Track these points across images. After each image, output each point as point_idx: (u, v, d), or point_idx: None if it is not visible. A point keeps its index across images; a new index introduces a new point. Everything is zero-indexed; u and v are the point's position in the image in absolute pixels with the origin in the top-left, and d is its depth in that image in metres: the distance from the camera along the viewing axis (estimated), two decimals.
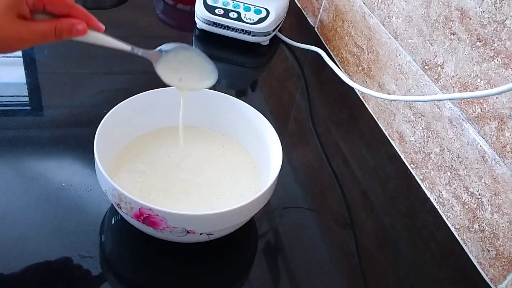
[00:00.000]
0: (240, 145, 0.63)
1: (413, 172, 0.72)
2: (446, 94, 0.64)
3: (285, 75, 0.90)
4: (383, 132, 0.78)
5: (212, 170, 0.59)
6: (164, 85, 0.60)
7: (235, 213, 0.48)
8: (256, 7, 0.89)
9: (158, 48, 0.51)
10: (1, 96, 0.70)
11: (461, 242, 0.63)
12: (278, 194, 0.55)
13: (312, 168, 0.70)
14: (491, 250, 0.58)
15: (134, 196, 0.46)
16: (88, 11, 0.47)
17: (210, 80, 0.53)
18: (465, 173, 0.61)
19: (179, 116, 0.61)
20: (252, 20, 0.88)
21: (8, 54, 0.78)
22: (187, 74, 0.52)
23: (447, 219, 0.65)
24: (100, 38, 0.47)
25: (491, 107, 0.57)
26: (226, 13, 0.88)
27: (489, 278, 0.59)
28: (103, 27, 0.47)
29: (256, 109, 0.60)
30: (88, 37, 0.46)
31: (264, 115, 0.59)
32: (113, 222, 0.56)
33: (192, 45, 0.91)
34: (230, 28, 0.88)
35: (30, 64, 0.77)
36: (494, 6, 0.55)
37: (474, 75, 0.59)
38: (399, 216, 0.65)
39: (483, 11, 0.57)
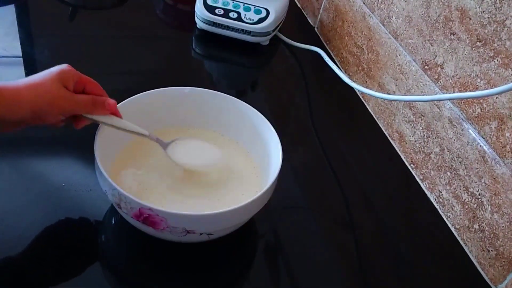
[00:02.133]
0: (240, 145, 0.63)
1: (413, 172, 0.72)
2: (446, 94, 0.64)
3: (285, 75, 0.90)
4: (383, 132, 0.78)
5: (212, 170, 0.59)
6: (164, 85, 0.61)
7: (235, 213, 0.48)
8: (256, 7, 0.89)
9: (171, 140, 0.57)
10: None
11: (461, 242, 0.63)
12: (278, 194, 0.55)
13: (312, 168, 0.70)
14: (491, 250, 0.58)
15: (134, 196, 0.46)
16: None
17: (211, 163, 0.59)
18: (465, 173, 0.61)
19: (179, 116, 0.61)
20: (252, 20, 0.88)
21: (8, 54, 0.78)
22: (192, 157, 0.58)
23: (447, 219, 0.65)
24: (123, 123, 0.53)
25: (491, 107, 0.57)
26: (226, 13, 0.88)
27: (489, 278, 0.59)
28: (120, 115, 0.54)
29: (256, 109, 0.60)
30: (113, 121, 0.53)
31: (264, 115, 0.59)
32: (113, 222, 0.56)
33: (192, 45, 0.91)
34: (230, 28, 0.88)
35: (30, 64, 0.77)
36: (494, 6, 0.55)
37: (474, 75, 0.59)
38: (399, 216, 0.65)
39: (483, 11, 0.57)
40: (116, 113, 0.53)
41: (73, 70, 0.50)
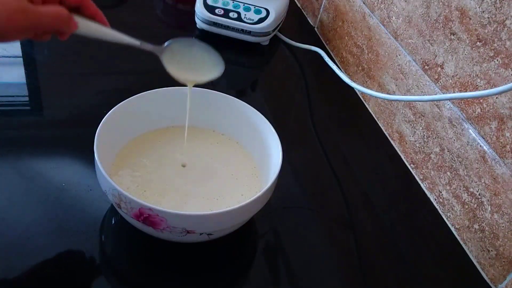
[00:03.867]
0: (240, 145, 0.63)
1: (413, 172, 0.72)
2: (446, 94, 0.64)
3: (285, 75, 0.90)
4: (383, 132, 0.78)
5: (212, 170, 0.59)
6: (164, 85, 0.61)
7: (235, 213, 0.48)
8: (256, 7, 0.89)
9: (165, 43, 0.52)
10: (1, 96, 0.70)
11: (461, 242, 0.63)
12: (278, 194, 0.55)
13: (312, 168, 0.70)
14: (491, 250, 0.58)
15: (134, 196, 0.46)
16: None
17: (215, 72, 0.54)
18: (465, 173, 0.61)
19: (179, 116, 0.61)
20: (252, 20, 0.88)
21: (8, 54, 0.78)
22: (192, 67, 0.53)
23: (447, 219, 0.65)
24: (106, 32, 0.47)
25: (491, 107, 0.57)
26: (226, 13, 0.88)
27: (489, 278, 0.59)
28: (107, 23, 0.48)
29: (256, 109, 0.60)
30: (93, 30, 0.46)
31: (264, 115, 0.59)
32: (113, 222, 0.56)
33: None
34: (230, 28, 0.88)
35: (30, 64, 0.77)
36: (494, 6, 0.55)
37: (474, 75, 0.59)
38: (399, 216, 0.65)
39: (483, 11, 0.57)
40: (97, 18, 0.46)
41: None
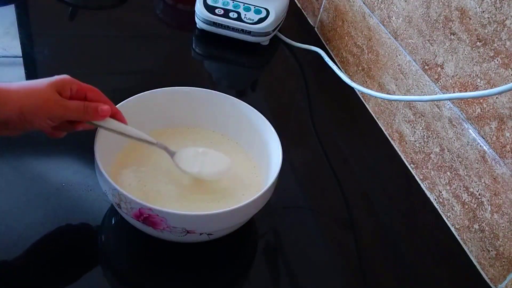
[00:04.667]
0: (240, 145, 0.63)
1: (413, 172, 0.72)
2: (446, 94, 0.64)
3: (285, 75, 0.90)
4: (383, 132, 0.78)
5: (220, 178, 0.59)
6: (164, 85, 0.61)
7: (235, 213, 0.48)
8: (256, 7, 0.89)
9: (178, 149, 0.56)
10: None
11: (461, 242, 0.63)
12: (278, 194, 0.55)
13: (312, 168, 0.70)
14: (491, 250, 0.58)
15: (134, 196, 0.46)
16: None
17: (219, 173, 0.57)
18: (465, 173, 0.61)
19: (179, 116, 0.61)
20: (252, 20, 0.88)
21: (8, 54, 0.78)
22: (200, 166, 0.56)
23: (447, 219, 0.65)
24: (123, 127, 0.52)
25: (491, 107, 0.57)
26: (226, 13, 0.88)
27: (489, 278, 0.59)
28: (126, 121, 0.53)
29: (256, 109, 0.60)
30: (112, 125, 0.51)
31: (264, 115, 0.59)
32: (113, 222, 0.56)
33: (192, 45, 0.91)
34: (230, 28, 0.88)
35: (30, 64, 0.77)
36: (494, 6, 0.55)
37: (474, 75, 0.59)
38: (399, 216, 0.65)
39: (483, 11, 0.57)
40: (117, 117, 0.52)
41: (72, 79, 0.49)
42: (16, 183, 0.57)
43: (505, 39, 0.54)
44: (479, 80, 0.59)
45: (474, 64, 0.59)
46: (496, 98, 0.56)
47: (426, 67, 0.68)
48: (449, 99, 0.63)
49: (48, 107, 0.46)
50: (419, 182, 0.70)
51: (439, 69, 0.65)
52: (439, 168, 0.66)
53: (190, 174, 0.55)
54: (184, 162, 0.55)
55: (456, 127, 0.63)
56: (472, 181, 0.60)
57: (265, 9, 0.89)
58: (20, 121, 0.46)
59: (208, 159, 0.57)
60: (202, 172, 0.56)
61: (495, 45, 0.56)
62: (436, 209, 0.67)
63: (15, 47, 0.79)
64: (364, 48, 0.83)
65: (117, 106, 0.56)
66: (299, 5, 1.11)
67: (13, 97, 0.45)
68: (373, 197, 0.67)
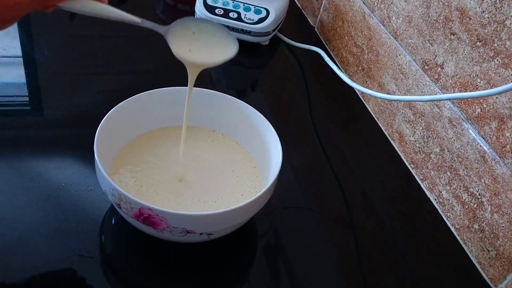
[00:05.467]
0: (240, 145, 0.63)
1: (413, 172, 0.72)
2: (446, 94, 0.64)
3: (285, 75, 0.90)
4: (383, 132, 0.78)
5: (212, 170, 0.59)
6: (164, 85, 0.61)
7: (235, 213, 0.48)
8: (256, 7, 0.89)
9: (172, 24, 0.47)
10: (1, 96, 0.70)
11: (461, 242, 0.63)
12: (278, 194, 0.55)
13: (312, 168, 0.70)
14: (491, 250, 0.58)
15: (134, 196, 0.46)
16: None
17: (227, 52, 0.47)
18: (465, 173, 0.61)
19: (179, 116, 0.61)
20: (252, 20, 0.88)
21: (8, 54, 0.78)
22: (202, 48, 0.47)
23: (447, 219, 0.65)
24: (105, 8, 0.44)
25: (491, 107, 0.57)
26: (226, 13, 0.88)
27: (489, 278, 0.59)
28: (106, 1, 0.44)
29: (256, 109, 0.60)
30: (90, 6, 0.44)
31: (264, 115, 0.59)
32: (113, 222, 0.56)
33: None
34: (230, 28, 0.88)
35: (30, 64, 0.77)
36: (494, 6, 0.55)
37: (474, 75, 0.59)
38: (399, 216, 0.65)
39: (483, 11, 0.57)
40: None
41: None
42: (16, 183, 0.57)
43: (505, 39, 0.54)
44: (479, 80, 0.59)
45: (474, 64, 0.59)
46: (496, 98, 0.56)
47: (426, 67, 0.68)
48: (449, 99, 0.63)
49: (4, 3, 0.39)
50: (419, 182, 0.70)
51: (439, 69, 0.65)
52: (439, 168, 0.66)
53: (186, 61, 0.46)
54: (179, 46, 0.46)
55: (456, 127, 0.63)
56: (472, 181, 0.60)
57: (265, 9, 0.89)
58: None
59: (209, 40, 0.47)
60: (200, 58, 0.46)
61: (495, 45, 0.56)
62: (436, 209, 0.67)
63: (15, 47, 0.79)
64: (364, 48, 0.83)
65: (117, 106, 0.56)
66: (299, 5, 1.11)
67: None
68: (373, 197, 0.67)
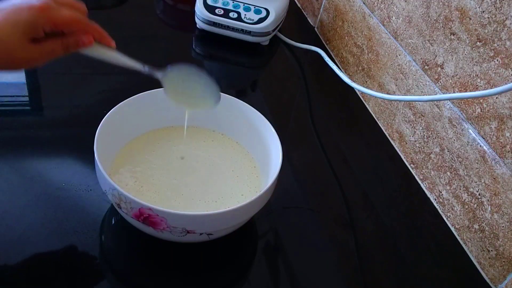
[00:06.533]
0: (240, 145, 0.63)
1: (413, 172, 0.72)
2: (446, 94, 0.64)
3: (285, 75, 0.90)
4: (383, 132, 0.78)
5: (212, 170, 0.59)
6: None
7: (235, 213, 0.48)
8: (256, 7, 0.89)
9: (168, 69, 0.53)
10: (1, 96, 0.70)
11: (461, 242, 0.63)
12: (278, 194, 0.55)
13: (312, 168, 0.70)
14: (491, 250, 0.58)
15: (134, 196, 0.46)
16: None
17: (209, 103, 0.55)
18: (465, 173, 0.61)
19: (179, 116, 0.61)
20: (252, 20, 0.88)
21: None
22: (189, 94, 0.54)
23: (447, 219, 0.65)
24: (109, 54, 0.49)
25: (491, 107, 0.57)
26: (226, 13, 0.88)
27: (489, 278, 0.59)
28: (113, 43, 0.48)
29: (256, 109, 0.60)
30: (98, 52, 0.48)
31: (264, 115, 0.59)
32: (113, 222, 0.56)
33: (192, 45, 0.91)
34: (230, 28, 0.88)
35: None
36: (494, 6, 0.55)
37: (474, 75, 0.59)
38: (399, 216, 0.65)
39: (483, 11, 0.57)
40: (102, 41, 0.47)
41: (42, 15, 0.42)
42: (16, 183, 0.57)
43: (505, 39, 0.54)
44: (479, 80, 0.59)
45: (474, 64, 0.59)
46: (496, 98, 0.56)
47: (426, 67, 0.68)
48: (449, 99, 0.63)
49: (20, 57, 0.41)
50: (419, 182, 0.70)
51: (439, 69, 0.65)
52: (439, 168, 0.66)
53: (179, 104, 0.53)
54: (171, 91, 0.52)
55: (456, 127, 0.63)
56: (472, 181, 0.60)
57: (265, 9, 0.89)
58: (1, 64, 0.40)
59: (195, 89, 0.54)
60: (191, 102, 0.53)
61: (495, 45, 0.56)
62: (436, 209, 0.67)
63: None
64: (364, 48, 0.83)
65: (117, 106, 0.56)
66: (299, 5, 1.11)
67: None
68: (373, 197, 0.67)
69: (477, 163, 0.59)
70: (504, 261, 0.56)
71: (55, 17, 0.43)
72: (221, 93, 0.62)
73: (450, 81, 0.63)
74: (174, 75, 0.53)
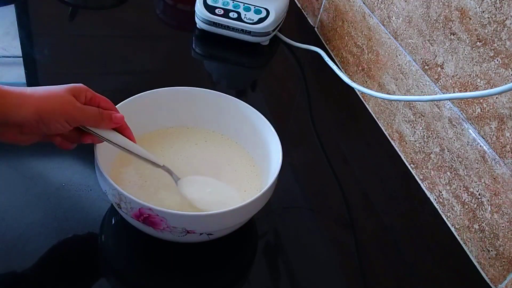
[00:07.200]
0: (240, 145, 0.63)
1: (413, 172, 0.72)
2: (446, 94, 0.64)
3: (285, 75, 0.90)
4: (383, 132, 0.78)
5: (212, 171, 0.59)
6: (164, 85, 0.61)
7: (235, 213, 0.48)
8: (256, 7, 0.89)
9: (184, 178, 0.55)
10: None
11: (461, 242, 0.63)
12: (278, 194, 0.55)
13: (312, 168, 0.70)
14: (491, 250, 0.58)
15: (134, 196, 0.46)
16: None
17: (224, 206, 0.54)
18: (465, 173, 0.61)
19: (179, 116, 0.61)
20: (252, 20, 0.88)
21: (8, 54, 0.78)
22: (202, 195, 0.55)
23: (447, 219, 0.65)
24: (132, 146, 0.52)
25: (491, 107, 0.57)
26: (226, 13, 0.88)
27: (489, 278, 0.59)
28: (134, 138, 0.53)
29: (256, 109, 0.60)
30: (121, 142, 0.51)
31: (264, 115, 0.59)
32: (113, 222, 0.56)
33: (192, 45, 0.91)
34: (230, 28, 0.88)
35: (30, 64, 0.77)
36: (494, 6, 0.55)
37: (474, 75, 0.59)
38: (399, 216, 0.65)
39: (483, 11, 0.57)
40: (124, 130, 0.52)
41: (87, 87, 0.50)
42: (16, 183, 0.57)
43: (505, 39, 0.54)
44: (479, 80, 0.59)
45: (474, 64, 0.59)
46: (496, 98, 0.56)
47: (426, 67, 0.68)
48: (449, 99, 0.63)
49: (66, 109, 0.47)
50: (419, 182, 0.70)
51: (439, 69, 0.65)
52: (439, 168, 0.66)
53: (190, 201, 0.54)
54: (187, 188, 0.55)
55: (456, 127, 0.63)
56: (472, 181, 0.60)
57: (265, 9, 0.89)
58: (36, 123, 0.45)
59: (214, 190, 0.56)
60: (203, 202, 0.54)
61: (495, 45, 0.56)
62: (436, 209, 0.67)
63: (15, 47, 0.79)
64: (364, 48, 0.83)
65: (116, 106, 0.56)
66: (299, 5, 1.11)
67: (29, 99, 0.45)
68: (373, 197, 0.67)
69: (477, 163, 0.59)
70: (504, 261, 0.56)
71: (93, 92, 0.50)
72: (221, 93, 0.62)
73: (450, 81, 0.63)
74: (190, 180, 0.56)
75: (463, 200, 0.62)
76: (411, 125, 0.72)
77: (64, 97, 0.47)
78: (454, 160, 0.63)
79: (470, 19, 0.59)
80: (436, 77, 0.66)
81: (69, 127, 0.47)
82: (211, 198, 0.55)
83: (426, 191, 0.69)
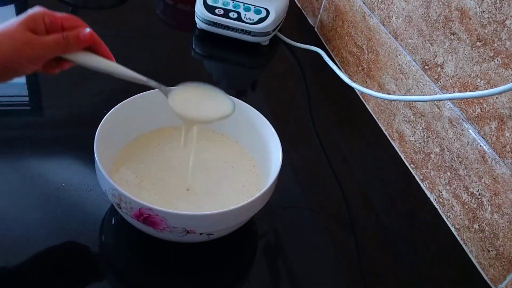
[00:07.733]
0: (240, 144, 0.63)
1: (413, 172, 0.72)
2: (446, 94, 0.64)
3: (285, 75, 0.90)
4: (383, 132, 0.78)
5: (212, 170, 0.59)
6: (164, 85, 0.60)
7: (235, 213, 0.48)
8: (256, 7, 0.89)
9: (174, 87, 0.52)
10: (1, 96, 0.70)
11: (461, 242, 0.63)
12: (278, 194, 0.55)
13: (312, 168, 0.70)
14: (491, 250, 0.58)
15: (134, 196, 0.46)
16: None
17: (223, 111, 0.51)
18: (465, 173, 0.61)
19: (178, 120, 0.61)
20: (252, 20, 0.88)
21: None
22: (200, 107, 0.52)
23: (447, 219, 0.65)
24: (114, 66, 0.48)
25: (491, 107, 0.57)
26: (226, 13, 0.88)
27: (489, 278, 0.59)
28: (111, 56, 0.48)
29: (256, 109, 0.60)
30: (99, 62, 0.47)
31: (264, 115, 0.59)
32: (113, 222, 0.56)
33: (192, 45, 0.91)
34: (230, 28, 0.88)
35: None
36: (494, 6, 0.55)
37: (474, 75, 0.59)
38: (399, 216, 0.65)
39: (483, 11, 0.57)
40: (99, 46, 0.47)
41: (43, 10, 0.44)
42: (16, 183, 0.57)
43: (505, 39, 0.54)
44: (479, 80, 0.59)
45: (474, 64, 0.59)
46: (496, 98, 0.56)
47: (426, 67, 0.68)
48: (449, 99, 0.63)
49: (25, 51, 0.42)
50: (419, 182, 0.70)
51: (439, 69, 0.65)
52: (439, 168, 0.66)
53: (185, 117, 0.51)
54: (179, 104, 0.50)
55: (456, 127, 0.63)
56: (472, 181, 0.60)
57: (265, 9, 0.89)
58: (3, 73, 0.42)
59: (207, 101, 0.52)
60: (199, 115, 0.50)
61: (495, 45, 0.56)
62: (436, 209, 0.67)
63: None
64: (364, 48, 0.83)
65: (117, 106, 0.56)
66: (299, 5, 1.11)
67: None
68: (373, 197, 0.67)
69: (477, 163, 0.59)
70: (504, 261, 0.56)
71: (52, 12, 0.45)
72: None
73: (450, 81, 0.63)
74: (181, 91, 0.52)
75: (463, 200, 0.62)
76: (411, 125, 0.72)
77: (18, 36, 0.42)
78: (454, 160, 0.63)
79: (470, 19, 0.59)
80: (436, 77, 0.66)
81: (36, 66, 0.44)
82: (204, 106, 0.52)
83: (426, 191, 0.69)
